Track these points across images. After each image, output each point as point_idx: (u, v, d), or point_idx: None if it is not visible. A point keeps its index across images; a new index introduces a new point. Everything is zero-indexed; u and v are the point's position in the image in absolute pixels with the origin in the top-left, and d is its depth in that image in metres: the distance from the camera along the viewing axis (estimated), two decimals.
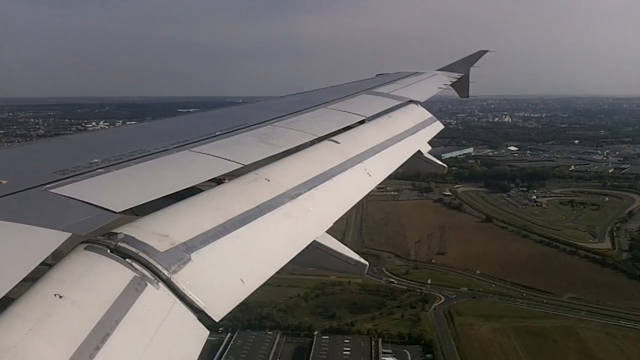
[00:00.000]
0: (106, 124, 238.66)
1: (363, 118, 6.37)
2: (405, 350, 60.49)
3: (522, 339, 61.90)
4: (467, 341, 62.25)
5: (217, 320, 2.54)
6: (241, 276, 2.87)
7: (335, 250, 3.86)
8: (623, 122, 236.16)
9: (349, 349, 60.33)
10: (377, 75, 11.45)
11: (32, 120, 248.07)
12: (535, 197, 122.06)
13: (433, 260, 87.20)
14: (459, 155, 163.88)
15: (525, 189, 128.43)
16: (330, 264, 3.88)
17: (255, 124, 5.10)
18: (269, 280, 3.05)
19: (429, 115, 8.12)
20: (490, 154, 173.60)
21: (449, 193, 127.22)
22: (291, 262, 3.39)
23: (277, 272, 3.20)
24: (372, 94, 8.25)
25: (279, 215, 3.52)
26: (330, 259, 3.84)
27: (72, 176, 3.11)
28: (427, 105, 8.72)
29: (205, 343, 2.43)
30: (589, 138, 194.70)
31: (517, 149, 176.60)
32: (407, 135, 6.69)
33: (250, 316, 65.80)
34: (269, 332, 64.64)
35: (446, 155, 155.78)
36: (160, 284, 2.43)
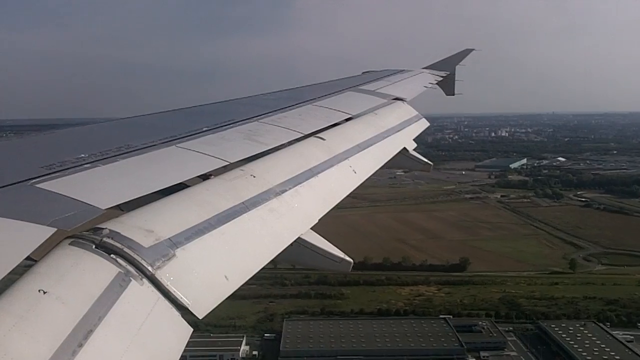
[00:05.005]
0: None
1: (349, 115, 6.35)
2: None
3: None
4: None
5: (200, 318, 2.52)
6: (225, 273, 2.86)
7: (320, 247, 3.84)
8: (621, 135, 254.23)
9: None
10: (363, 72, 11.53)
11: None
12: None
13: None
14: (520, 165, 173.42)
15: None
16: (315, 261, 3.86)
17: (242, 120, 5.09)
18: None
19: (415, 112, 8.09)
20: (555, 164, 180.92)
21: (585, 199, 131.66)
22: (276, 258, 3.38)
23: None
24: (358, 91, 8.27)
25: (264, 211, 3.52)
26: (315, 256, 3.83)
27: (59, 171, 3.11)
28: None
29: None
30: (627, 149, 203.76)
31: (565, 159, 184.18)
32: (393, 132, 6.68)
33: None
34: None
35: (514, 165, 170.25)
36: (145, 280, 2.42)
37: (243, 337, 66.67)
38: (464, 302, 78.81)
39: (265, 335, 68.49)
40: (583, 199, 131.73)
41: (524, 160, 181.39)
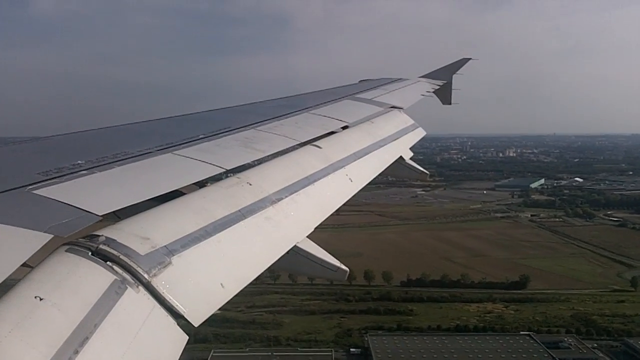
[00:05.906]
0: None
1: (346, 124, 6.36)
2: None
3: None
4: None
5: (196, 326, 2.52)
6: (221, 281, 2.86)
7: (316, 255, 3.84)
8: (630, 156, 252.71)
9: None
10: (360, 80, 11.50)
11: None
12: None
13: None
14: (539, 185, 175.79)
15: None
16: (311, 269, 3.86)
17: (238, 128, 5.11)
18: None
19: (412, 121, 8.05)
20: (574, 184, 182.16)
21: (617, 218, 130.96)
22: (271, 266, 3.38)
23: None
24: (355, 100, 8.25)
25: (261, 219, 3.52)
26: (311, 264, 3.81)
27: (55, 177, 3.11)
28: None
29: None
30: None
31: (582, 180, 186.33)
32: (389, 141, 6.66)
33: None
34: None
35: (534, 185, 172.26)
36: (141, 288, 2.43)
37: (331, 351, 66.09)
38: (537, 319, 76.87)
39: (352, 349, 67.87)
40: (615, 219, 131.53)
41: (542, 181, 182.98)
